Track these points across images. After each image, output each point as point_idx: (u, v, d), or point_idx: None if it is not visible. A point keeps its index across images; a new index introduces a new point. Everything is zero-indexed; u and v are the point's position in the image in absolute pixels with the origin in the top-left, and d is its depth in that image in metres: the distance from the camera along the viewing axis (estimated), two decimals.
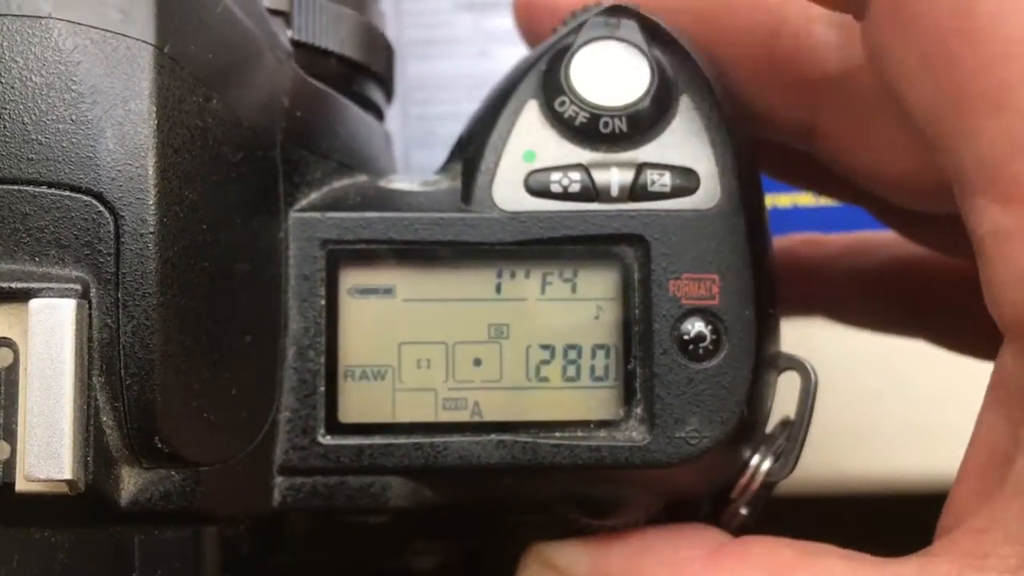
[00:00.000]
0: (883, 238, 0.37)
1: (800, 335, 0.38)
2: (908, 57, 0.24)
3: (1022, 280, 0.22)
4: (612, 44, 0.28)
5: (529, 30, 0.32)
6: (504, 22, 0.33)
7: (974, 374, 0.27)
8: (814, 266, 0.38)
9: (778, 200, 0.48)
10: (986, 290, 0.23)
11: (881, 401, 0.46)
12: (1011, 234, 0.22)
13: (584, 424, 0.27)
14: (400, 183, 0.29)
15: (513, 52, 0.34)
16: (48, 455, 0.22)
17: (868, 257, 0.37)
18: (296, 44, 0.29)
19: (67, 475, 0.22)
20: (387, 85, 0.34)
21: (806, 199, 0.47)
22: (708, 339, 0.27)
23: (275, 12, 0.29)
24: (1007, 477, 0.23)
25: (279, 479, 0.27)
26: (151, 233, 0.23)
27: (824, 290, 0.38)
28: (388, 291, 0.27)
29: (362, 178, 0.29)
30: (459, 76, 0.49)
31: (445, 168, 0.30)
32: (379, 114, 0.34)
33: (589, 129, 0.27)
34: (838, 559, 0.25)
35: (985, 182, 0.23)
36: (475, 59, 0.49)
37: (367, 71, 0.32)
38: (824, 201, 0.47)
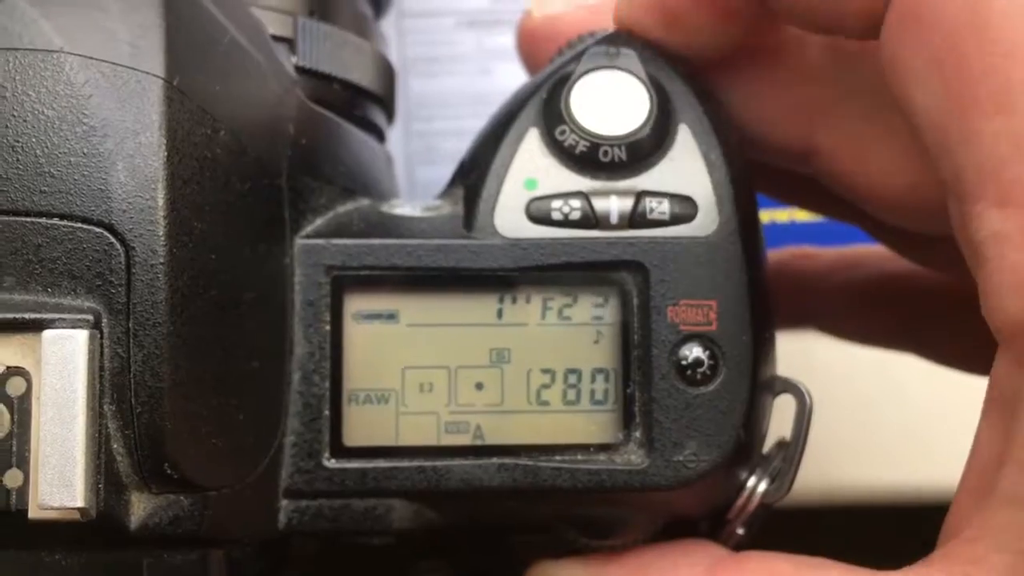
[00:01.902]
0: (875, 252, 0.37)
1: (798, 348, 0.39)
2: (918, 57, 0.24)
3: (1017, 285, 0.22)
4: (612, 73, 0.28)
5: (531, 58, 0.32)
6: (506, 40, 0.33)
7: (971, 386, 0.28)
8: (807, 280, 0.38)
9: (776, 215, 0.48)
10: (982, 296, 0.23)
11: (878, 413, 0.46)
12: (1009, 238, 0.22)
13: (584, 448, 0.28)
14: (403, 208, 0.29)
15: (515, 69, 0.34)
16: (61, 483, 0.22)
17: (860, 271, 0.37)
18: (300, 70, 0.30)
19: (79, 503, 0.22)
20: (388, 107, 0.35)
21: (804, 215, 0.48)
22: (706, 364, 0.27)
23: (279, 39, 0.29)
24: (998, 487, 0.23)
25: (285, 502, 0.27)
26: (161, 264, 0.23)
27: (817, 304, 0.38)
28: (392, 316, 0.28)
29: (365, 202, 0.30)
30: (462, 93, 0.49)
31: (447, 192, 0.30)
32: (380, 136, 0.34)
33: (589, 158, 0.28)
34: (836, 572, 0.25)
35: (984, 185, 0.23)
36: (478, 76, 0.49)
37: (369, 95, 0.32)
38: (821, 217, 0.47)
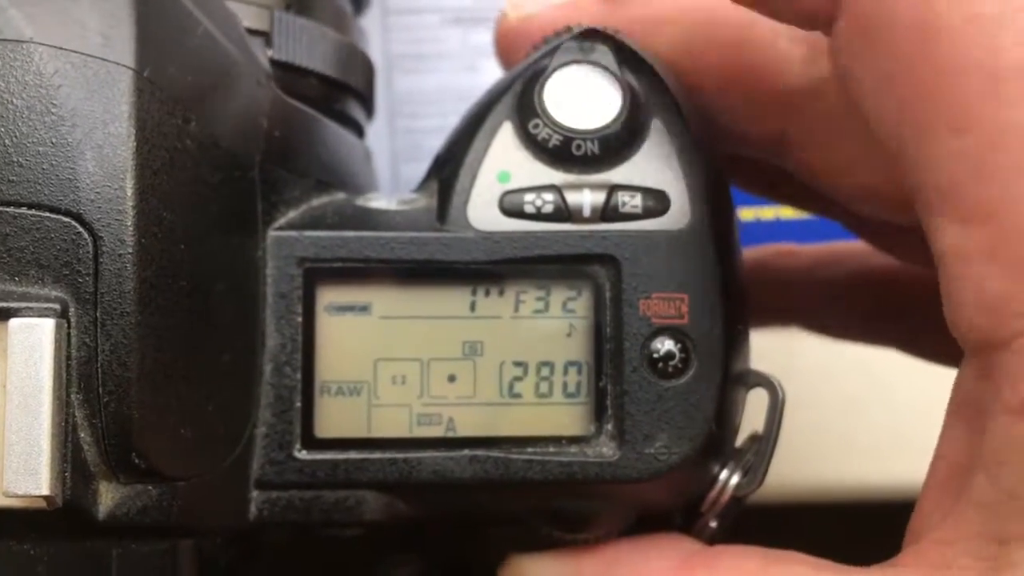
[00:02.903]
0: (855, 248, 0.37)
1: (780, 345, 0.39)
2: (872, 74, 0.24)
3: (979, 301, 0.22)
4: (585, 68, 0.28)
5: (509, 58, 0.32)
6: (491, 37, 0.33)
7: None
8: (788, 276, 0.38)
9: (762, 213, 0.48)
10: (946, 309, 0.24)
11: (860, 410, 0.46)
12: (968, 256, 0.22)
13: (556, 440, 0.28)
14: (377, 202, 0.29)
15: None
16: (26, 471, 0.22)
17: (840, 267, 0.38)
18: (275, 64, 0.30)
19: (45, 491, 0.22)
20: (367, 102, 0.35)
21: (789, 212, 0.48)
22: (677, 357, 0.28)
23: (255, 32, 0.29)
24: (967, 491, 0.23)
25: (256, 493, 0.27)
26: (129, 254, 0.23)
27: (799, 300, 0.39)
28: (364, 308, 0.28)
29: (340, 196, 0.30)
30: (447, 90, 0.50)
31: (422, 186, 0.30)
32: (359, 131, 0.34)
33: (562, 151, 0.28)
34: (805, 566, 0.26)
35: (944, 202, 0.23)
36: (463, 73, 0.50)
37: (347, 89, 0.33)
38: (806, 214, 0.47)
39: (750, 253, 0.39)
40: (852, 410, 0.47)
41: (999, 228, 0.22)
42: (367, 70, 0.34)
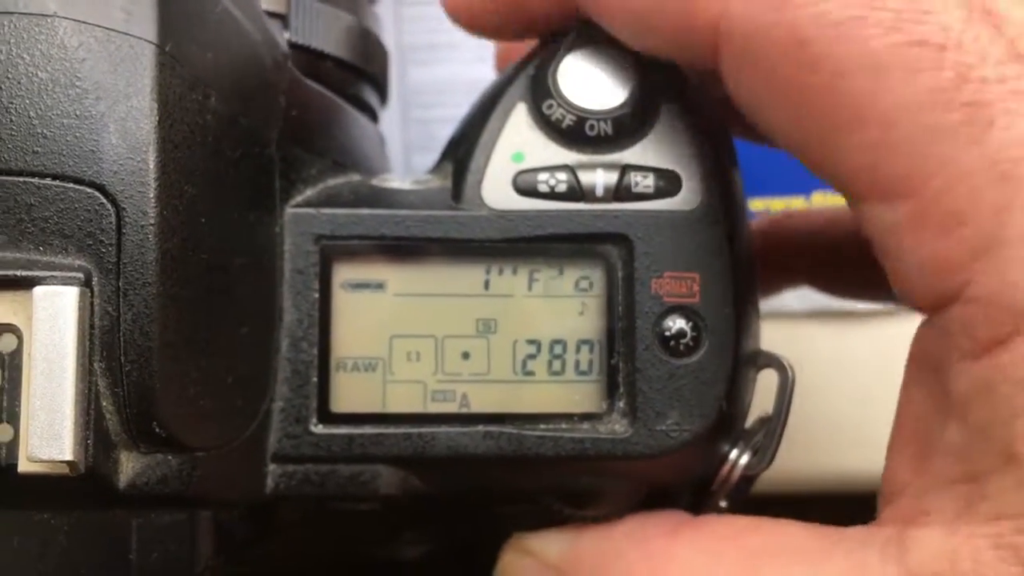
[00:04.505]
0: None
1: (792, 335, 0.39)
2: (761, 95, 0.25)
3: (920, 266, 0.24)
4: (598, 49, 0.29)
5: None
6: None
7: None
8: (799, 237, 0.39)
9: (772, 204, 0.48)
10: (893, 282, 0.25)
11: (872, 400, 0.46)
12: (900, 228, 0.24)
13: (568, 417, 0.28)
14: (393, 182, 0.30)
15: None
16: (50, 437, 0.23)
17: (846, 225, 0.38)
18: (293, 46, 0.30)
19: (68, 456, 0.23)
20: (382, 88, 0.35)
21: (798, 203, 0.48)
22: (688, 336, 0.28)
23: (273, 15, 0.30)
24: (935, 443, 0.24)
25: (272, 466, 0.28)
26: (151, 225, 0.24)
27: (808, 260, 0.39)
28: (380, 286, 0.28)
29: (356, 177, 0.30)
30: (460, 81, 0.50)
31: (437, 168, 0.30)
32: (373, 116, 0.35)
33: (575, 132, 0.28)
34: (794, 528, 0.26)
35: (864, 189, 0.24)
36: (475, 64, 0.50)
37: (362, 73, 0.33)
38: (816, 204, 0.48)
39: (758, 223, 0.39)
40: (864, 400, 0.47)
41: (919, 196, 0.23)
42: (382, 55, 0.35)
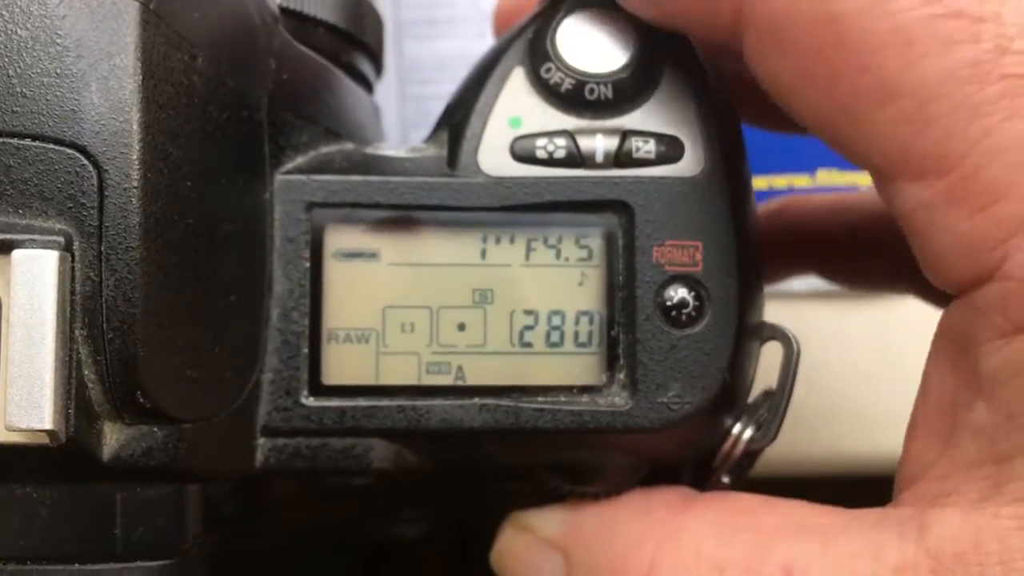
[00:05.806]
0: (871, 195, 0.37)
1: (793, 316, 0.38)
2: (789, 74, 0.25)
3: (955, 244, 0.23)
4: (599, 12, 0.28)
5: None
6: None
7: None
8: (805, 225, 0.38)
9: (775, 182, 0.48)
10: (922, 263, 0.24)
11: (874, 382, 0.46)
12: (933, 206, 0.23)
13: (567, 389, 0.27)
14: (387, 150, 0.29)
15: None
16: (29, 405, 0.22)
17: (856, 214, 0.37)
18: (285, 12, 0.29)
19: (48, 425, 0.22)
20: (376, 58, 0.34)
21: (802, 180, 0.47)
22: (691, 306, 0.27)
23: None
24: (961, 424, 0.24)
25: (262, 440, 0.27)
26: (134, 187, 0.23)
27: (815, 249, 0.39)
28: (373, 255, 0.28)
29: (349, 145, 0.29)
30: (458, 56, 0.49)
31: (433, 136, 0.30)
32: (368, 86, 0.34)
33: (575, 96, 0.28)
34: (801, 507, 0.26)
35: (895, 167, 0.24)
36: (474, 39, 0.49)
37: (355, 42, 0.32)
38: (820, 182, 0.47)
39: (766, 204, 0.39)
40: (866, 382, 0.46)
41: (955, 173, 0.23)
42: (376, 24, 0.34)
